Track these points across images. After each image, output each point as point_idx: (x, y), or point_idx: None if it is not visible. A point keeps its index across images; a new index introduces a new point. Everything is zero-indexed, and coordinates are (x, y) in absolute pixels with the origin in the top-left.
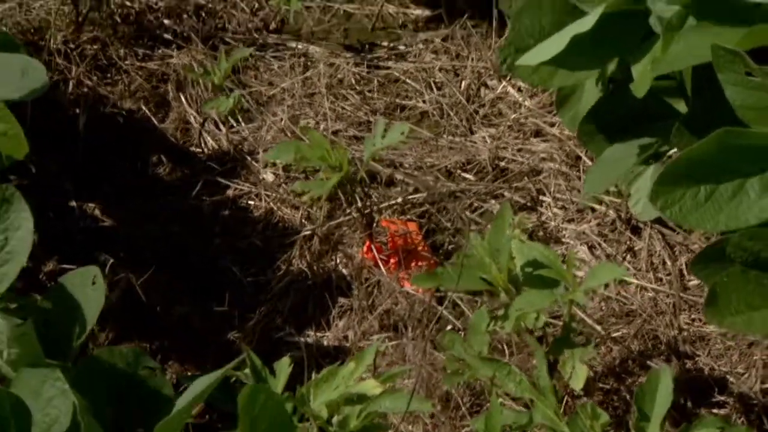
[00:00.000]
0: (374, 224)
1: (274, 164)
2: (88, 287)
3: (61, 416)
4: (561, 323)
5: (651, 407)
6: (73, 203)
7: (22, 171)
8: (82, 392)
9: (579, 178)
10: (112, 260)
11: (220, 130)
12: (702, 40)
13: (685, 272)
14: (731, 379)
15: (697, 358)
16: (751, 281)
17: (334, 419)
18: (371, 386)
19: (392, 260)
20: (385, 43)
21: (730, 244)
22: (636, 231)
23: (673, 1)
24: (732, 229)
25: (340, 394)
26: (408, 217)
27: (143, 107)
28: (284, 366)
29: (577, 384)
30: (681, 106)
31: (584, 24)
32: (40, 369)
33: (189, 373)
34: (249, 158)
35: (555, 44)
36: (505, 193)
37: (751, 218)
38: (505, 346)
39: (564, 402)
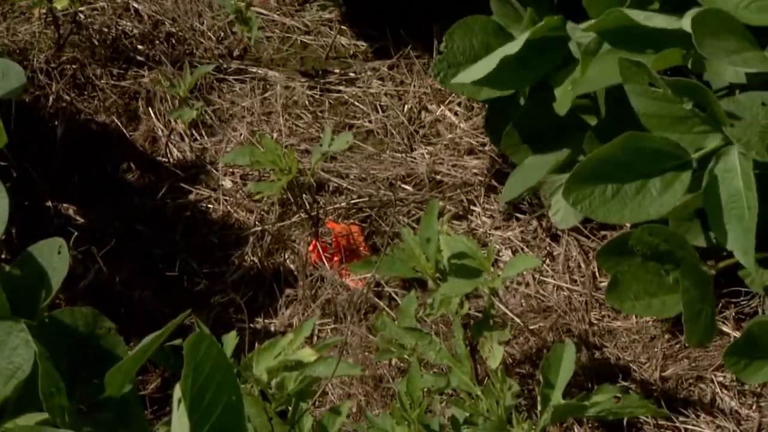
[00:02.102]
0: (320, 226)
1: (232, 172)
2: (54, 256)
3: (24, 364)
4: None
5: (555, 376)
6: (49, 203)
7: (4, 175)
8: (43, 345)
9: None
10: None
11: (184, 141)
12: (615, 64)
13: (597, 274)
14: (634, 368)
15: (604, 349)
16: (649, 271)
17: (273, 382)
18: (307, 354)
19: (335, 258)
20: (337, 71)
21: (632, 238)
22: (555, 238)
23: (589, 29)
24: (635, 222)
25: (279, 361)
26: (351, 221)
27: (116, 120)
28: (231, 338)
29: (494, 362)
30: (593, 121)
31: (511, 48)
32: (6, 321)
33: None
34: (210, 167)
35: (485, 65)
36: (440, 203)
37: (652, 213)
38: (433, 335)
39: (483, 383)
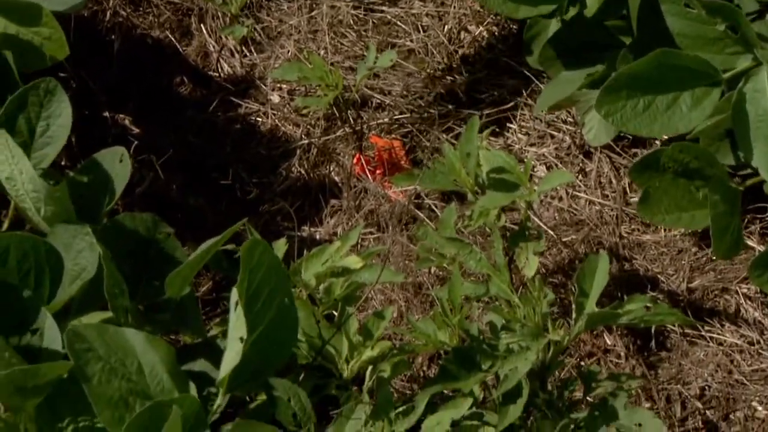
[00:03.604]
0: (364, 140)
1: (280, 87)
2: (116, 164)
3: (89, 266)
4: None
5: (590, 286)
6: (107, 114)
7: (63, 86)
8: (106, 249)
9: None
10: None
11: (234, 57)
12: None
13: (627, 190)
14: (662, 279)
15: (634, 261)
16: (680, 187)
17: (321, 287)
18: (353, 261)
19: (378, 171)
20: None
21: (663, 155)
22: (588, 155)
23: None
24: (664, 136)
25: (327, 267)
26: (394, 135)
27: (169, 36)
28: (281, 245)
29: (529, 272)
30: (628, 41)
31: None
32: (71, 225)
33: None
34: (259, 82)
35: None
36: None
37: (681, 128)
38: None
39: (519, 290)
